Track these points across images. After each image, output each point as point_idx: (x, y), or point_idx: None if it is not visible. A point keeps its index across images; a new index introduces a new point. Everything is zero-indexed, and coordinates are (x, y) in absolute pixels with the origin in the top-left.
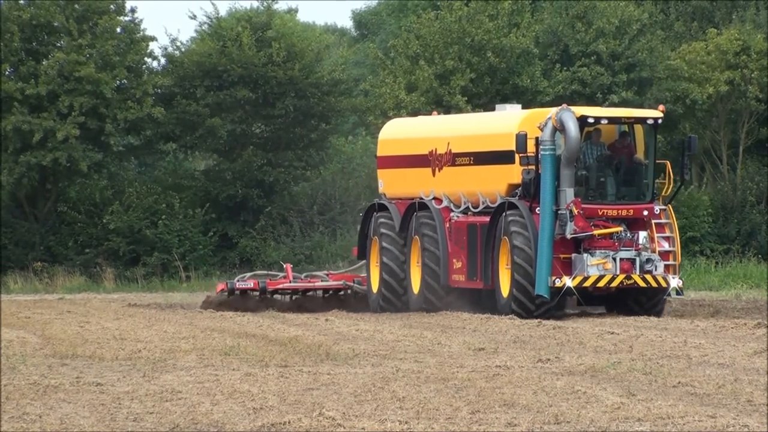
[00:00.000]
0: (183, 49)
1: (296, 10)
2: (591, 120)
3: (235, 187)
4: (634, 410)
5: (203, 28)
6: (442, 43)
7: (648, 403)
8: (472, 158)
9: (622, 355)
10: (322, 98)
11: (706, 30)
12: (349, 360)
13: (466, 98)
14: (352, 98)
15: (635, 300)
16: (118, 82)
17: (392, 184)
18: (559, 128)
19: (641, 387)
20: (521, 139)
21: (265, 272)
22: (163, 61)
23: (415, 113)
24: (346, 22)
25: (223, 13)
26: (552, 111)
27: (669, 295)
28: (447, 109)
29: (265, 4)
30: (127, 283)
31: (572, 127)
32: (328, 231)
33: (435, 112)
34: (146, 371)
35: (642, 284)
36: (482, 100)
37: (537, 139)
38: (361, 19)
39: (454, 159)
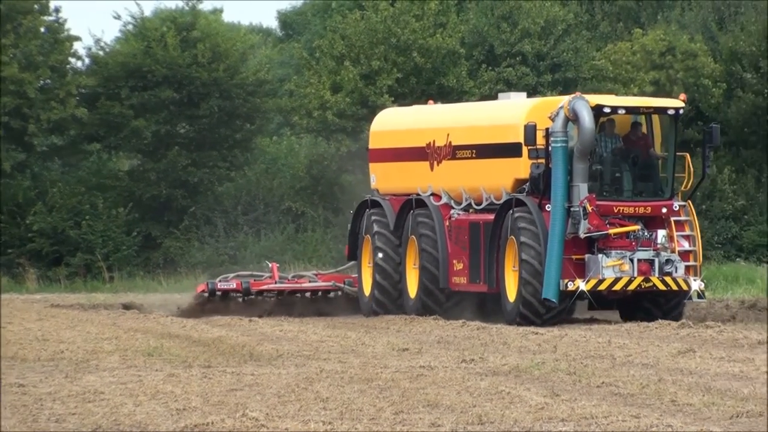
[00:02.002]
0: (107, 50)
1: (221, 11)
2: (607, 110)
3: (159, 187)
4: (558, 410)
5: (128, 28)
6: (368, 43)
7: (572, 403)
8: (474, 151)
9: (546, 356)
10: (247, 99)
11: (631, 30)
12: (272, 360)
13: (393, 98)
14: (277, 99)
15: (653, 303)
16: (41, 82)
17: (386, 178)
18: (572, 118)
19: (565, 387)
20: (530, 131)
21: (249, 272)
22: (87, 61)
23: (340, 114)
24: (271, 23)
25: (148, 13)
26: (564, 100)
27: (690, 298)
28: (372, 109)
29: (190, 4)
30: (50, 283)
31: (587, 118)
32: (253, 231)
33: (431, 101)
34: (69, 372)
35: (661, 287)
36: (408, 100)
37: (547, 130)
38: (286, 20)
39: (454, 152)
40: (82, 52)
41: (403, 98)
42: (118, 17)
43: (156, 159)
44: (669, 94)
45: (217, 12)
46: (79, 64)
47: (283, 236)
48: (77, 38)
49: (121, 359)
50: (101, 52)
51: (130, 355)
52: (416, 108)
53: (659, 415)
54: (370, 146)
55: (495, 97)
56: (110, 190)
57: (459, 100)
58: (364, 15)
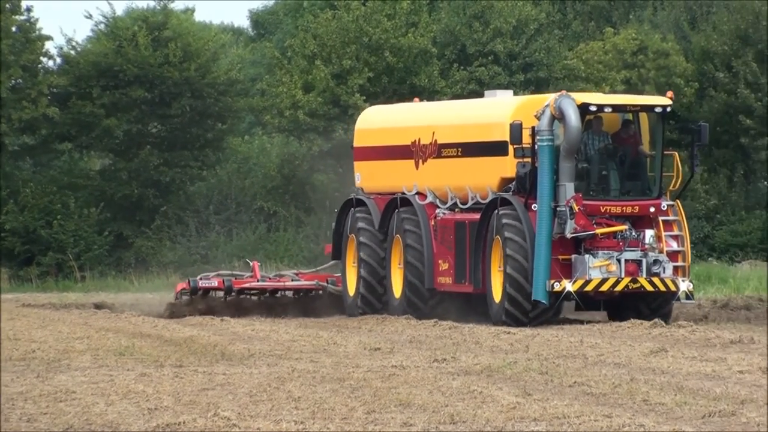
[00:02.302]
0: (79, 49)
1: (193, 10)
2: (593, 108)
3: (131, 186)
4: (530, 410)
5: (99, 27)
6: (340, 42)
7: (544, 402)
8: (460, 149)
9: (518, 355)
10: (219, 98)
11: (603, 30)
12: (244, 360)
13: (364, 98)
14: (249, 98)
15: (639, 304)
16: (13, 81)
17: (371, 177)
18: (558, 117)
19: (537, 387)
20: (516, 129)
21: (230, 272)
22: (59, 60)
23: (312, 113)
24: (243, 22)
25: (119, 12)
26: (550, 98)
27: (678, 299)
28: (344, 108)
29: (161, 3)
30: (22, 283)
31: (573, 116)
32: (224, 231)
33: (416, 99)
34: (40, 372)
35: (649, 288)
36: (379, 100)
37: (533, 128)
38: (258, 19)
39: (439, 150)
40: (53, 51)
41: (374, 98)
42: (89, 17)
43: (128, 158)
44: (641, 94)
45: (188, 11)
46: (50, 63)
47: (255, 236)
48: (49, 38)
49: (93, 359)
50: (73, 52)
51: (102, 355)
52: (401, 106)
53: (631, 415)
54: (355, 144)
55: (481, 95)
56: (82, 190)
57: (430, 100)
58: (335, 14)
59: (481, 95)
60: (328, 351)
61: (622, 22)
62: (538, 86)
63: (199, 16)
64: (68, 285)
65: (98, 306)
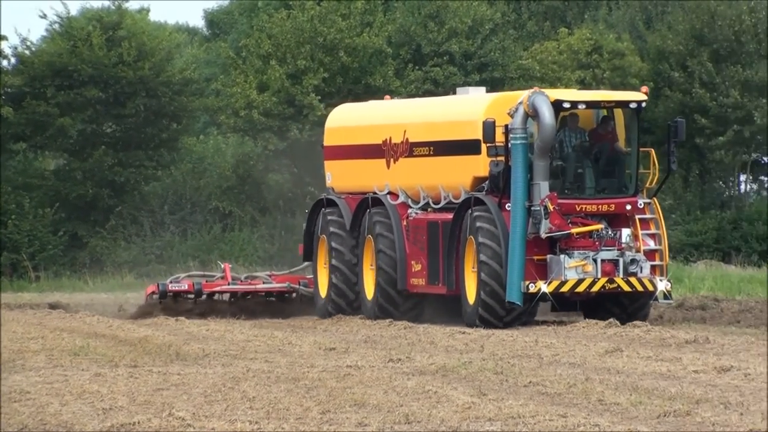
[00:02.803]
0: (33, 49)
1: (148, 10)
2: (567, 105)
3: (86, 186)
4: (485, 410)
5: (54, 27)
6: (294, 42)
7: (499, 402)
8: (432, 148)
9: (473, 355)
10: (173, 98)
11: (558, 30)
12: (199, 360)
13: (319, 98)
14: (204, 98)
15: (617, 305)
16: None
17: (341, 177)
18: (532, 114)
19: (492, 386)
20: (489, 127)
21: (201, 273)
22: (13, 60)
23: (266, 113)
24: (197, 22)
25: (74, 12)
26: (523, 95)
27: (656, 299)
28: (299, 108)
29: (116, 3)
30: None
31: (546, 113)
32: (179, 231)
33: (388, 96)
34: None
35: (626, 288)
36: (335, 100)
37: (506, 126)
38: (212, 19)
39: (411, 149)
40: (8, 51)
41: (329, 98)
42: (44, 16)
43: (82, 158)
44: None
45: (143, 11)
46: (5, 63)
47: (209, 236)
48: (3, 37)
49: (48, 359)
50: (27, 52)
51: (57, 355)
52: (372, 103)
53: (586, 415)
54: (325, 143)
55: (436, 95)
56: (36, 190)
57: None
58: (290, 14)
59: (436, 95)
60: (282, 351)
61: (577, 22)
62: (493, 86)
63: (154, 16)
64: (23, 285)
65: (53, 306)
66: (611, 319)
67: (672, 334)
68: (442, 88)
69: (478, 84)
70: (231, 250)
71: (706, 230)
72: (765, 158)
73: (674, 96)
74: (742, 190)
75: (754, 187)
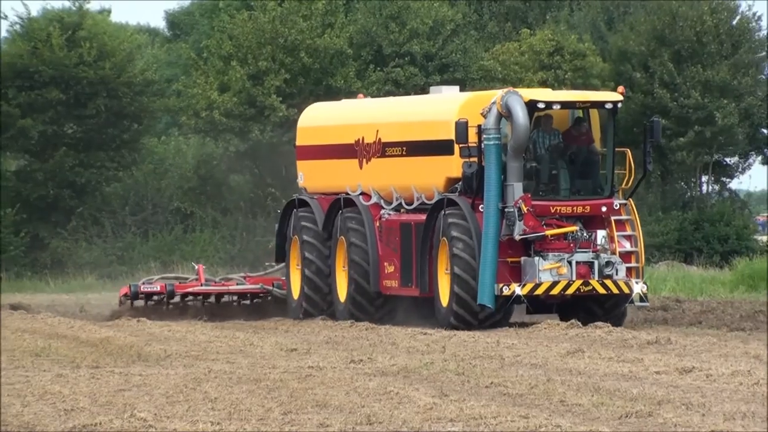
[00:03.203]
0: None
1: (109, 11)
2: (541, 105)
3: (47, 187)
4: (447, 410)
5: (14, 28)
6: (256, 43)
7: (460, 403)
8: (404, 148)
9: (434, 356)
10: (135, 98)
11: (519, 30)
12: (160, 361)
13: (281, 99)
14: (165, 99)
15: (592, 307)
16: None
17: (314, 177)
18: (505, 114)
19: (454, 387)
20: (462, 127)
21: (174, 275)
22: None
23: (228, 114)
24: (158, 23)
25: (34, 13)
26: (497, 94)
27: (632, 302)
28: (260, 109)
29: (77, 4)
30: None
31: (520, 113)
32: (141, 232)
33: (361, 95)
34: None
35: (601, 291)
36: (296, 101)
37: (479, 126)
38: (173, 20)
39: (384, 149)
40: None
41: (291, 98)
42: (5, 17)
43: (43, 159)
44: None
45: (104, 12)
46: None
47: (171, 237)
48: None
49: (9, 360)
50: None
51: (18, 356)
52: (345, 102)
53: (548, 416)
54: (297, 143)
55: (397, 96)
56: None
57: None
58: (251, 15)
59: (397, 96)
60: (244, 352)
61: (539, 23)
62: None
63: (115, 17)
64: None
65: (14, 307)
66: (573, 320)
67: (634, 335)
68: (403, 89)
69: (439, 85)
70: (192, 251)
71: (668, 231)
72: (726, 159)
73: (636, 97)
74: (704, 191)
75: (716, 188)
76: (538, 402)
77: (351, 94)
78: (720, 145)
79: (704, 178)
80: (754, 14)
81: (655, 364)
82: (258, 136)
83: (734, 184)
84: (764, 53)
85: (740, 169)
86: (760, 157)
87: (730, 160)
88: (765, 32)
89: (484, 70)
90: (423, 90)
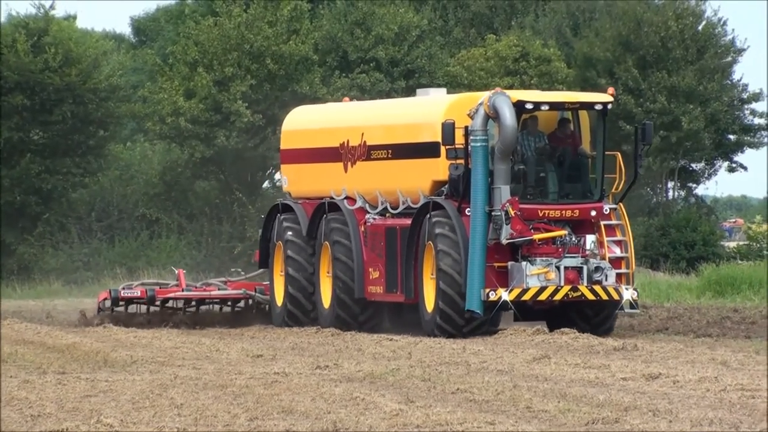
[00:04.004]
0: None
1: (75, 17)
2: (530, 106)
3: (13, 194)
4: (413, 417)
5: None
6: (221, 49)
7: (427, 409)
8: (390, 151)
9: (400, 362)
10: (100, 104)
11: (484, 36)
12: (127, 367)
13: (246, 105)
14: (131, 104)
15: (581, 314)
16: None
17: (298, 181)
18: (493, 115)
19: (420, 393)
20: (448, 129)
21: (155, 281)
22: None
23: (193, 120)
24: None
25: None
26: (484, 96)
27: (622, 309)
28: (226, 115)
29: (42, 10)
30: None
31: (508, 115)
32: (107, 238)
33: (347, 99)
34: None
35: (590, 297)
36: (261, 107)
37: (466, 128)
38: (139, 26)
39: (369, 152)
40: None
41: (256, 105)
42: None
43: (9, 166)
44: None
45: (70, 18)
46: None
47: (137, 242)
48: None
49: None
50: None
51: None
52: (330, 105)
53: (514, 422)
54: (281, 147)
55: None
56: None
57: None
58: (217, 21)
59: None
60: (210, 358)
61: (504, 29)
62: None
63: (80, 23)
64: None
65: None
66: (539, 326)
67: (600, 341)
68: (369, 95)
69: (405, 91)
70: (158, 257)
71: (634, 237)
72: (693, 165)
73: None
74: (670, 197)
75: (682, 193)
76: (504, 408)
77: (316, 100)
78: (686, 151)
79: (670, 184)
80: (720, 19)
81: (622, 371)
82: (223, 142)
83: (700, 190)
84: (730, 58)
85: (706, 175)
86: (726, 163)
87: (696, 166)
88: (730, 37)
89: (449, 75)
90: (388, 96)
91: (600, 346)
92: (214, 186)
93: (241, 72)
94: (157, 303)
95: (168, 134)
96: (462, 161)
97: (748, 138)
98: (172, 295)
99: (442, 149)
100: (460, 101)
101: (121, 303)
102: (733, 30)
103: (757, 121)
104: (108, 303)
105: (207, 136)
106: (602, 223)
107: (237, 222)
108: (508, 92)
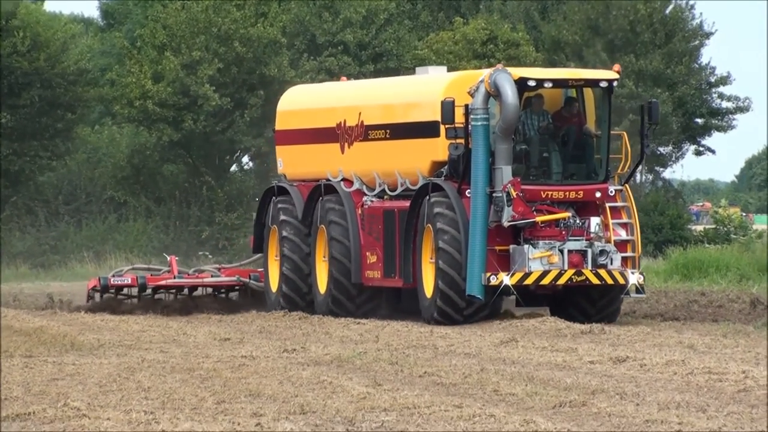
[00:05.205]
0: None
1: (42, 0)
2: (532, 83)
3: None
4: (380, 400)
5: None
6: (189, 32)
7: (394, 392)
8: (388, 131)
9: (368, 345)
10: (68, 88)
11: (452, 20)
12: (94, 350)
13: (214, 88)
14: (99, 88)
15: (586, 299)
16: None
17: (293, 163)
18: (494, 93)
19: (387, 377)
20: (448, 107)
21: (146, 266)
22: None
23: (161, 103)
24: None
25: None
26: (485, 73)
27: (627, 293)
28: (194, 98)
29: None
30: None
31: (509, 92)
32: (74, 221)
33: (344, 78)
34: None
35: (595, 281)
36: (229, 90)
37: (467, 106)
38: (107, 9)
39: (366, 132)
40: None
41: (224, 88)
42: None
43: None
44: None
45: (38, 2)
46: None
47: (104, 226)
48: None
49: None
50: None
51: None
52: (326, 85)
53: (482, 405)
54: (276, 127)
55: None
56: None
57: (280, 90)
58: (185, 5)
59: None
60: (177, 341)
61: (472, 13)
62: (388, 76)
63: (48, 7)
64: None
65: None
66: (505, 309)
67: (567, 324)
68: (336, 78)
69: (373, 74)
70: (126, 240)
71: None
72: (660, 149)
73: None
74: (638, 181)
75: (650, 177)
76: (471, 391)
77: (285, 84)
78: (654, 135)
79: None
80: (687, 3)
81: (589, 354)
82: (191, 125)
83: (668, 174)
84: (698, 42)
85: (674, 159)
86: (693, 147)
87: (664, 150)
88: (698, 21)
89: (417, 59)
90: (356, 78)
91: (567, 330)
92: (182, 169)
93: (208, 55)
94: (148, 291)
95: (136, 117)
96: (462, 141)
97: (716, 121)
98: (163, 282)
99: (442, 128)
100: (461, 79)
101: (110, 290)
102: (701, 14)
103: (725, 104)
104: (97, 291)
105: (175, 120)
106: (607, 204)
107: (205, 206)
108: (510, 69)
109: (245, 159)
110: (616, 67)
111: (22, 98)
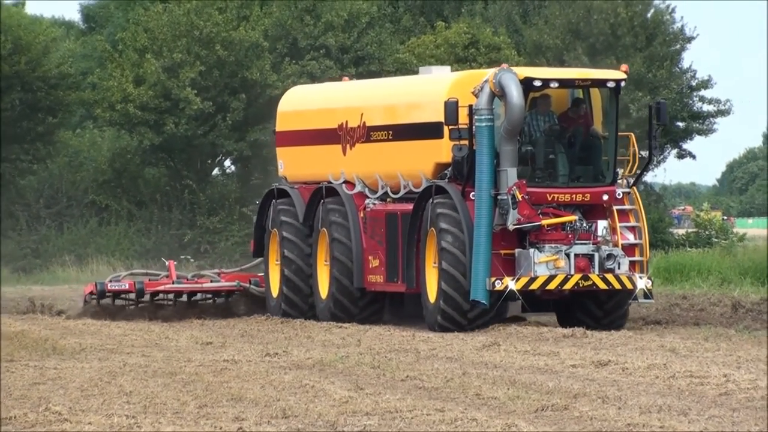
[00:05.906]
0: None
1: (24, 3)
2: (538, 83)
3: None
4: (362, 404)
5: None
6: (171, 36)
7: (376, 396)
8: (390, 132)
9: (350, 349)
10: (50, 92)
11: (434, 23)
12: (75, 354)
13: (196, 91)
14: (80, 91)
15: (594, 304)
16: None
17: (294, 165)
18: (499, 94)
19: (369, 381)
20: (451, 108)
21: (144, 271)
22: None
23: (143, 107)
24: (74, 15)
25: None
26: (489, 73)
27: (635, 299)
28: (175, 102)
29: None
30: None
31: (515, 93)
32: (55, 225)
33: (346, 78)
34: None
35: (602, 286)
36: (211, 93)
37: (471, 107)
38: (88, 12)
39: (368, 134)
40: None
41: (206, 91)
42: None
43: None
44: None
45: (19, 5)
46: None
47: (86, 229)
48: None
49: None
50: None
51: None
52: (327, 85)
53: (464, 409)
54: (277, 129)
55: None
56: None
57: (262, 93)
58: (166, 7)
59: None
60: (159, 345)
61: (454, 16)
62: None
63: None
64: None
65: None
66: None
67: (549, 328)
68: (318, 82)
69: (355, 78)
70: (107, 244)
71: None
72: (642, 152)
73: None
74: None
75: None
76: (453, 395)
77: (267, 87)
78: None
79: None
80: (668, 6)
81: (571, 358)
82: (173, 129)
83: (649, 177)
84: (678, 46)
85: (655, 162)
86: (675, 151)
87: (645, 153)
88: (679, 25)
89: (399, 62)
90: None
91: (549, 333)
92: (163, 173)
93: (190, 59)
94: (146, 296)
95: (117, 121)
96: (466, 142)
97: (697, 125)
98: (161, 288)
99: (446, 130)
100: (465, 79)
101: (107, 295)
102: (681, 17)
103: (706, 108)
104: (94, 297)
105: (156, 123)
106: (615, 207)
107: (187, 209)
108: (516, 69)
109: (227, 163)
110: (624, 67)
111: (3, 102)
